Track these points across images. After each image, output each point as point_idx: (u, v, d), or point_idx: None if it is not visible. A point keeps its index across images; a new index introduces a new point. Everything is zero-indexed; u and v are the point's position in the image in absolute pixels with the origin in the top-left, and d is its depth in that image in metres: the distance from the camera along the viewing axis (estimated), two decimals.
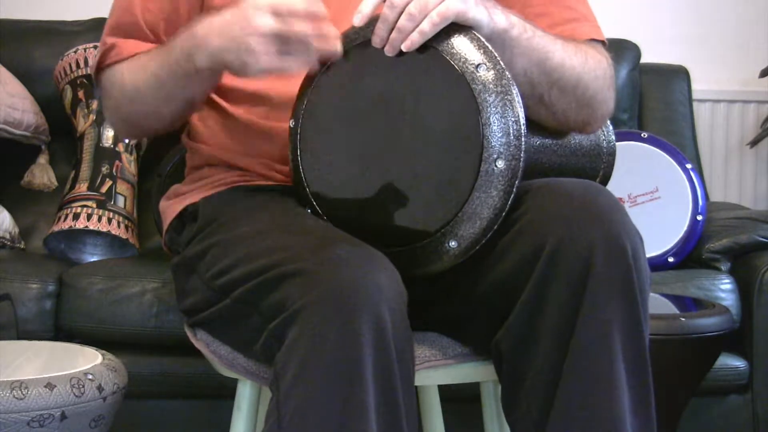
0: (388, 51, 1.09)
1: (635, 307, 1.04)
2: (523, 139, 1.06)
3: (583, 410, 1.03)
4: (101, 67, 1.31)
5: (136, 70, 1.25)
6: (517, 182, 1.06)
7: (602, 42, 1.30)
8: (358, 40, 1.12)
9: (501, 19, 1.12)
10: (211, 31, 1.12)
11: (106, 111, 1.35)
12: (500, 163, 1.05)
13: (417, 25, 1.06)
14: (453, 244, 1.07)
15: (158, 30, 1.29)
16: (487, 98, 1.05)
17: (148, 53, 1.25)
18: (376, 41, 1.09)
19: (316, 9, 1.07)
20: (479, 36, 1.08)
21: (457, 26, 1.08)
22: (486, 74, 1.06)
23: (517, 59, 1.13)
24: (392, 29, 1.08)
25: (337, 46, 1.10)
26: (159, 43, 1.28)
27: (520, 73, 1.15)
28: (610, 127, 1.34)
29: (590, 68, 1.22)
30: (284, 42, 1.07)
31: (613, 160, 1.34)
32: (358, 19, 1.10)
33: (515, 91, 1.06)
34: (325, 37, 1.09)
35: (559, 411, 1.04)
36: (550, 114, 1.22)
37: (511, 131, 1.05)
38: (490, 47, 1.07)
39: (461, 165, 1.06)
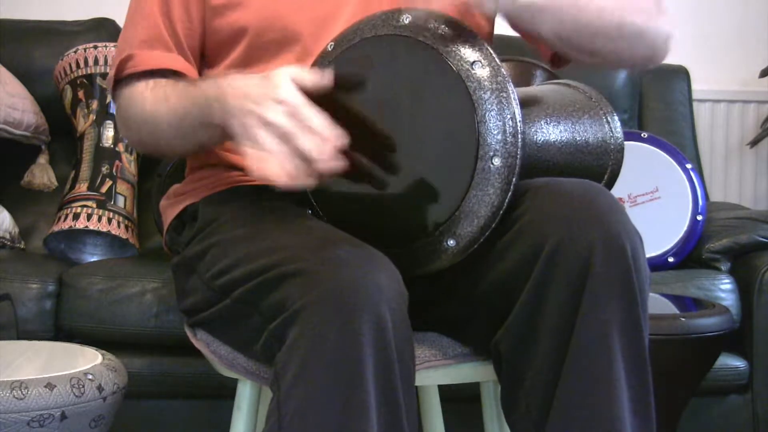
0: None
1: (635, 308, 1.04)
2: (519, 136, 1.06)
3: (583, 410, 1.03)
4: (119, 78, 1.29)
5: (158, 99, 1.22)
6: (514, 180, 1.06)
7: None
8: (355, 40, 1.12)
9: None
10: (232, 90, 1.07)
11: (124, 128, 1.32)
12: (497, 161, 1.05)
13: None
14: (451, 242, 1.07)
15: (179, 35, 1.28)
16: (483, 96, 1.05)
17: (172, 85, 1.22)
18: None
19: (330, 131, 0.99)
20: (475, 33, 1.08)
21: (450, 22, 1.08)
22: (481, 72, 1.06)
23: (546, 26, 1.12)
24: None
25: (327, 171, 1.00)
26: (181, 52, 1.28)
27: (549, 34, 1.13)
28: (618, 124, 1.33)
29: (628, 7, 1.19)
30: (284, 144, 1.00)
31: (622, 157, 1.32)
32: None
33: (511, 88, 1.06)
34: (324, 162, 0.99)
35: (558, 411, 1.04)
36: (603, 60, 1.20)
37: (508, 128, 1.05)
38: (486, 44, 1.07)
39: (458, 163, 1.06)
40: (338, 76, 1.04)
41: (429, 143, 1.08)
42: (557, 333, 1.04)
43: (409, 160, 1.09)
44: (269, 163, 0.99)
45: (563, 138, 1.27)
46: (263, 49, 1.26)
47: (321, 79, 1.03)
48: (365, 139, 1.08)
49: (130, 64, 1.28)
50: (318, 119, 0.99)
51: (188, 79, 1.25)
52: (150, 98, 1.23)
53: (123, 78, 1.28)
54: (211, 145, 1.24)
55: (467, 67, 1.06)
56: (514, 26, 1.18)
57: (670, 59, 2.70)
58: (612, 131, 1.32)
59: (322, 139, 0.98)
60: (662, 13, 1.25)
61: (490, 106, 1.05)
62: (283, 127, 0.99)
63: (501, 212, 1.06)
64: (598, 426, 1.02)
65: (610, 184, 1.30)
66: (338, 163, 0.99)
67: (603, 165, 1.31)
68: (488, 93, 1.05)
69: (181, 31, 1.28)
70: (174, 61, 1.27)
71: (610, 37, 1.18)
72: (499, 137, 1.05)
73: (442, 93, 1.08)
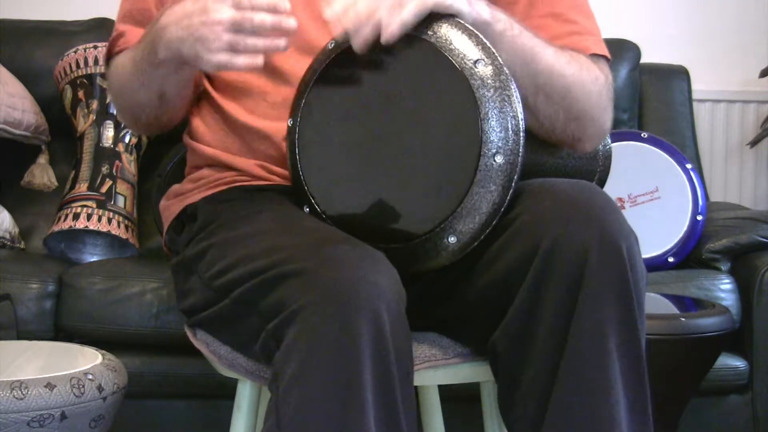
0: (361, 46, 1.08)
1: (631, 307, 1.04)
2: (521, 134, 1.06)
3: (580, 410, 1.02)
4: (110, 54, 1.33)
5: (127, 60, 1.27)
6: (516, 177, 1.06)
7: (606, 58, 1.27)
8: None
9: (484, 11, 1.12)
10: (171, 21, 1.13)
11: (113, 100, 1.38)
12: (499, 158, 1.05)
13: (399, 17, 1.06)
14: (452, 239, 1.07)
15: None
16: (486, 93, 1.05)
17: (136, 44, 1.26)
18: (357, 42, 1.09)
19: (278, 2, 1.08)
20: (476, 32, 1.08)
21: (453, 22, 1.08)
22: (484, 69, 1.06)
23: (500, 55, 1.11)
24: (376, 24, 1.07)
25: (285, 39, 1.10)
26: None
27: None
28: None
29: (583, 81, 1.19)
30: (239, 33, 1.08)
31: (609, 163, 1.33)
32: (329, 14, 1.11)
33: (513, 86, 1.06)
34: (283, 29, 1.09)
35: (555, 411, 1.04)
36: (535, 120, 1.20)
37: (510, 126, 1.05)
38: (488, 43, 1.08)
39: (460, 160, 1.06)
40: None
41: (431, 140, 1.08)
42: (554, 333, 1.04)
43: (411, 157, 1.09)
44: (236, 59, 1.08)
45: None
46: None
47: None
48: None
49: (121, 41, 1.31)
50: None
51: None
52: (121, 63, 1.29)
53: (115, 53, 1.32)
54: (172, 89, 1.26)
55: (470, 65, 1.06)
56: None
57: (671, 59, 2.71)
58: None
59: (273, 10, 1.07)
60: (608, 113, 1.24)
61: (493, 104, 1.05)
62: (229, 20, 1.07)
63: (502, 210, 1.06)
64: (594, 426, 1.02)
65: None
66: (290, 25, 1.08)
67: (592, 170, 1.31)
68: (491, 91, 1.05)
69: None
70: None
71: (552, 99, 1.18)
72: (501, 135, 1.05)
73: (444, 90, 1.08)
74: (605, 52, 1.27)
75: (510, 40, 1.13)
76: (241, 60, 1.09)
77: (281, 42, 1.10)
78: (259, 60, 1.10)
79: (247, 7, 1.07)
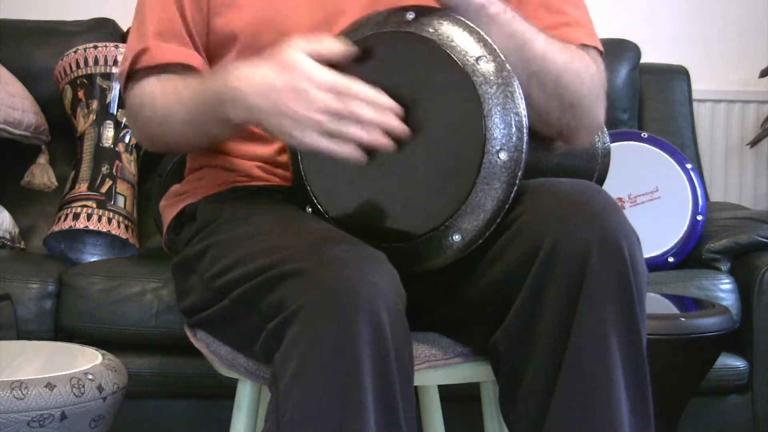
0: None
1: (632, 307, 1.03)
2: (525, 130, 1.06)
3: (581, 410, 1.02)
4: (132, 71, 1.27)
5: (170, 95, 1.21)
6: (520, 174, 1.06)
7: (598, 50, 1.26)
8: (360, 37, 1.12)
9: None
10: (252, 89, 1.06)
11: (133, 123, 1.31)
12: (503, 155, 1.05)
13: None
14: (457, 237, 1.07)
15: (193, 33, 1.27)
16: (488, 90, 1.05)
17: (184, 81, 1.20)
18: None
19: (380, 98, 1.02)
20: (478, 29, 1.08)
21: (454, 19, 1.08)
22: (486, 66, 1.06)
23: (494, 38, 1.10)
24: None
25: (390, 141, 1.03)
26: (196, 49, 1.27)
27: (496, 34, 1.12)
28: (605, 130, 1.34)
29: (575, 69, 1.19)
30: (338, 121, 1.01)
31: (608, 162, 1.33)
32: None
33: (516, 83, 1.06)
34: (389, 127, 1.02)
35: (556, 411, 1.03)
36: (531, 109, 1.17)
37: (513, 123, 1.05)
38: (490, 40, 1.08)
39: (464, 158, 1.06)
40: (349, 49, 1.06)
41: (434, 138, 1.08)
42: (555, 333, 1.04)
43: (414, 155, 1.09)
44: (338, 147, 1.02)
45: (553, 143, 1.28)
46: (257, 52, 1.25)
47: (337, 45, 1.03)
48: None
49: (145, 57, 1.26)
50: (362, 86, 1.01)
51: (198, 75, 1.23)
52: (160, 95, 1.22)
53: (136, 71, 1.27)
54: (228, 138, 1.24)
55: (472, 62, 1.06)
56: None
57: (671, 59, 2.71)
58: (600, 136, 1.33)
59: (377, 107, 1.01)
60: (601, 103, 1.22)
61: (496, 101, 1.05)
62: (334, 107, 1.00)
63: (506, 207, 1.06)
64: (596, 426, 1.02)
65: None
66: (401, 126, 1.02)
67: (591, 169, 1.32)
68: (494, 87, 1.05)
69: (193, 27, 1.27)
70: (190, 56, 1.26)
71: (545, 86, 1.16)
72: (505, 131, 1.05)
73: (447, 88, 1.08)
74: (597, 43, 1.27)
75: (504, 23, 1.13)
76: (345, 149, 1.02)
77: (386, 140, 1.02)
78: (359, 153, 1.02)
79: (344, 93, 1.01)
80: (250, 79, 1.07)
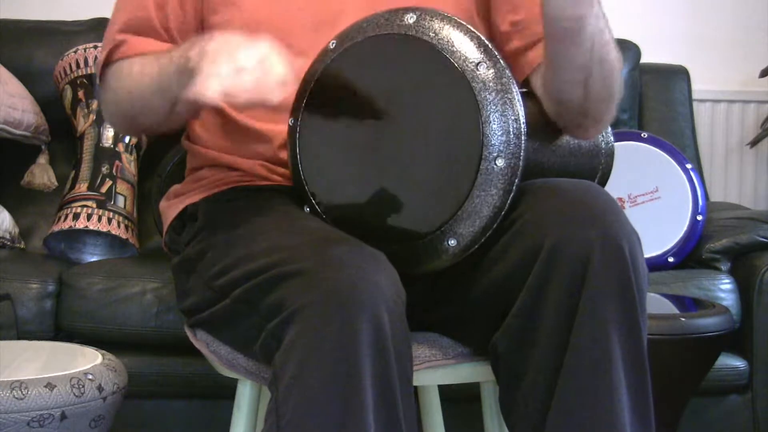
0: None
1: (633, 307, 1.04)
2: (523, 137, 1.06)
3: (582, 411, 1.02)
4: (108, 62, 1.30)
5: (145, 67, 1.23)
6: (517, 181, 1.06)
7: None
8: (358, 39, 1.12)
9: None
10: (212, 40, 1.08)
11: (105, 105, 1.34)
12: (500, 162, 1.05)
13: None
14: (452, 242, 1.07)
15: (171, 28, 1.28)
16: (487, 96, 1.05)
17: (154, 54, 1.23)
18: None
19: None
20: (479, 33, 1.08)
21: (455, 23, 1.08)
22: (486, 72, 1.06)
23: (591, 20, 1.11)
24: None
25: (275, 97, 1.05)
26: (173, 42, 1.28)
27: (589, 37, 1.12)
28: (609, 129, 1.34)
29: (618, 58, 1.19)
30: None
31: (612, 161, 1.33)
32: None
33: (515, 89, 1.06)
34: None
35: (557, 412, 1.04)
36: (584, 96, 1.18)
37: (511, 129, 1.05)
38: (490, 45, 1.08)
39: (461, 163, 1.06)
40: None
41: (432, 143, 1.08)
42: (556, 333, 1.04)
43: (412, 158, 1.09)
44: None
45: (557, 141, 1.28)
46: None
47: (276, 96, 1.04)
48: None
49: (121, 49, 1.28)
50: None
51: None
52: (136, 67, 1.25)
53: (112, 61, 1.29)
54: (180, 113, 1.24)
55: (472, 67, 1.06)
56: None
57: (671, 59, 2.71)
58: (603, 135, 1.33)
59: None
60: (615, 100, 1.23)
61: (494, 107, 1.05)
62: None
63: (502, 213, 1.06)
64: (596, 426, 1.02)
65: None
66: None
67: (594, 168, 1.32)
68: (493, 94, 1.05)
69: (174, 25, 1.28)
70: (165, 48, 1.26)
71: (604, 73, 1.16)
72: (503, 138, 1.05)
73: (446, 93, 1.08)
74: None
75: (597, 5, 1.12)
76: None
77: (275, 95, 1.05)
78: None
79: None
80: (218, 35, 1.09)
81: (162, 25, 1.28)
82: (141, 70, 1.23)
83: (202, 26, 1.30)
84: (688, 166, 2.18)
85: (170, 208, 1.35)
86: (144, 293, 1.84)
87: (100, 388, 1.42)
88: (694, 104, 2.57)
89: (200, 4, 1.29)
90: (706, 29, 2.74)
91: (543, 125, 1.25)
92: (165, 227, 1.36)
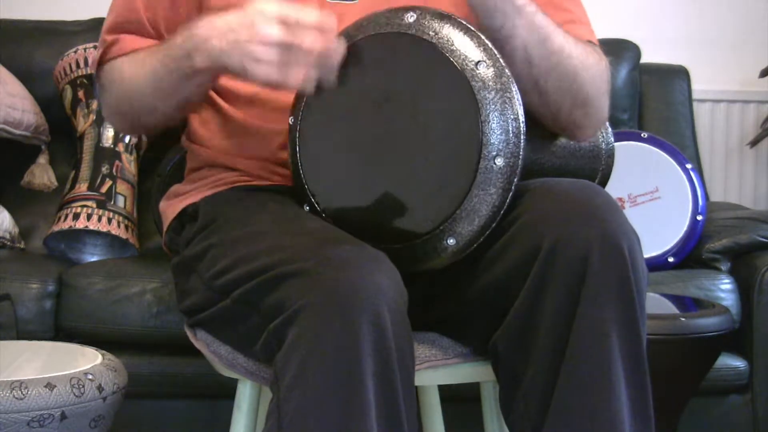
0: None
1: (632, 307, 1.04)
2: (522, 137, 1.06)
3: (581, 410, 1.02)
4: (102, 62, 1.31)
5: (136, 65, 1.25)
6: (516, 180, 1.06)
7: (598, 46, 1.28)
8: (358, 38, 1.12)
9: None
10: (213, 32, 1.10)
11: (104, 106, 1.35)
12: (499, 161, 1.05)
13: None
14: (451, 241, 1.07)
15: (160, 28, 1.29)
16: (487, 96, 1.05)
17: (148, 49, 1.25)
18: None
19: (325, 22, 1.06)
20: (478, 33, 1.08)
21: (456, 22, 1.08)
22: (486, 71, 1.06)
23: (519, 31, 1.12)
24: None
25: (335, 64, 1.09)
26: (161, 40, 1.28)
27: (520, 47, 1.14)
28: (609, 129, 1.34)
29: (589, 64, 1.20)
30: (288, 52, 1.05)
31: (612, 162, 1.33)
32: None
33: (515, 88, 1.06)
34: (331, 53, 1.07)
35: (557, 411, 1.03)
36: (543, 104, 1.20)
37: (511, 129, 1.05)
38: (490, 44, 1.08)
39: (460, 162, 1.06)
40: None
41: (431, 142, 1.08)
42: (555, 333, 1.04)
43: (411, 157, 1.09)
44: (286, 77, 1.05)
45: (557, 142, 1.28)
46: None
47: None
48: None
49: (115, 48, 1.29)
50: (307, 13, 1.05)
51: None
52: (127, 67, 1.26)
53: (105, 62, 1.30)
54: (195, 96, 1.26)
55: (472, 66, 1.06)
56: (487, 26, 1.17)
57: (671, 59, 2.71)
58: (604, 136, 1.33)
59: (321, 31, 1.05)
60: (607, 98, 1.24)
61: (494, 106, 1.05)
62: (278, 39, 1.04)
63: (501, 212, 1.07)
64: (596, 426, 1.02)
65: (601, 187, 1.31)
66: (340, 47, 1.07)
67: (594, 169, 1.32)
68: (492, 93, 1.05)
69: (164, 26, 1.29)
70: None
71: (562, 81, 1.17)
72: (502, 137, 1.05)
73: (445, 92, 1.08)
74: (596, 41, 1.29)
75: (529, 15, 1.13)
76: (293, 79, 1.07)
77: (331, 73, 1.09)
78: (310, 84, 1.09)
79: (293, 24, 1.04)
80: (212, 24, 1.11)
81: (150, 23, 1.29)
82: (142, 60, 1.24)
83: None
84: (688, 166, 2.18)
85: (170, 208, 1.35)
86: (144, 293, 1.84)
87: (100, 388, 1.42)
88: (694, 104, 2.57)
89: (196, 6, 1.28)
90: (706, 29, 2.74)
91: (543, 125, 1.26)
92: (165, 227, 1.36)
